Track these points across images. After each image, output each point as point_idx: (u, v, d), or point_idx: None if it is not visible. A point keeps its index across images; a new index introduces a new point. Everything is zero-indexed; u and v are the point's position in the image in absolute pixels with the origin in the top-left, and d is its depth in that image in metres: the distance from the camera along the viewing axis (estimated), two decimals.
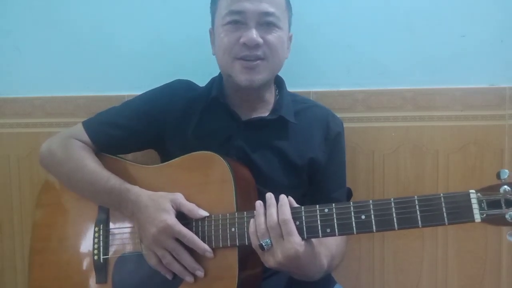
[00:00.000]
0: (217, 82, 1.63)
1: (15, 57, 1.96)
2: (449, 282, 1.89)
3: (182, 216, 1.40)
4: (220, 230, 1.37)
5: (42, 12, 1.93)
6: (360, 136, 1.88)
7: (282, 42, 1.53)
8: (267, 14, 1.48)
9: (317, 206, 1.28)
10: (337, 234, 1.26)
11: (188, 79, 1.69)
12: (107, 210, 1.56)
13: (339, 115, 1.74)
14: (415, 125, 1.86)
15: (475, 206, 1.14)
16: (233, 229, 1.36)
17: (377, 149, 1.88)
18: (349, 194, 1.70)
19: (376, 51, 1.88)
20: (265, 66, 1.51)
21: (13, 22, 1.95)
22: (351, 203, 1.26)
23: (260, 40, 1.47)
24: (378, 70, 1.88)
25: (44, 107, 1.96)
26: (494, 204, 1.13)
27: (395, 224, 1.20)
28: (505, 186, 1.13)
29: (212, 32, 1.62)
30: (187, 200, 1.43)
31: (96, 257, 1.53)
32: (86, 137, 1.59)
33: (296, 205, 1.31)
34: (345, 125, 1.73)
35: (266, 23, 1.49)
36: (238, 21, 1.48)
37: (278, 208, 1.29)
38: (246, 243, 1.33)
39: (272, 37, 1.50)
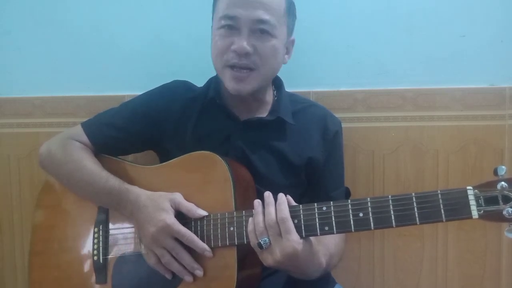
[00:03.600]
0: (215, 82, 1.63)
1: (15, 57, 1.97)
2: (449, 282, 1.89)
3: (181, 216, 1.40)
4: (219, 229, 1.37)
5: (42, 12, 1.94)
6: (360, 136, 1.88)
7: (274, 51, 1.51)
8: (261, 21, 1.46)
9: (315, 204, 1.28)
10: (335, 232, 1.26)
11: (186, 80, 1.69)
12: (106, 210, 1.56)
13: (339, 115, 1.74)
14: (415, 125, 1.86)
15: (472, 202, 1.14)
16: (231, 228, 1.36)
17: (377, 149, 1.88)
18: (347, 194, 1.70)
19: (376, 51, 1.87)
20: (255, 77, 1.50)
21: (13, 22, 1.95)
22: (349, 201, 1.26)
23: (250, 49, 1.46)
24: (378, 70, 1.88)
25: (44, 107, 1.96)
26: (491, 200, 1.14)
27: (393, 221, 1.20)
28: (502, 182, 1.13)
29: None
30: (186, 199, 1.43)
31: (95, 258, 1.53)
32: (85, 138, 1.60)
33: (294, 203, 1.31)
34: (345, 125, 1.73)
35: (259, 30, 1.47)
36: (232, 26, 1.47)
37: (276, 207, 1.29)
38: (245, 242, 1.33)
39: (264, 46, 1.48)
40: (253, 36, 1.47)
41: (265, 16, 1.46)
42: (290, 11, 1.57)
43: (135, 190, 1.47)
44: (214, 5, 1.56)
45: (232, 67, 1.48)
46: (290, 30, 1.59)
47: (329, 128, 1.63)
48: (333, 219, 1.26)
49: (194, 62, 1.86)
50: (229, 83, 1.49)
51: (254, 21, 1.46)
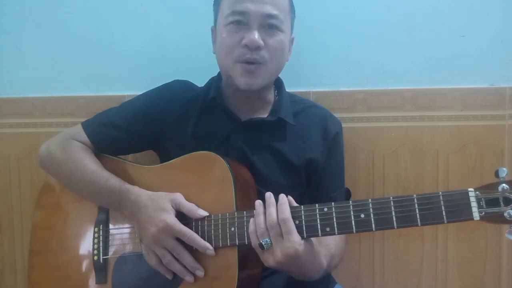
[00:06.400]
0: (215, 82, 1.63)
1: (15, 57, 1.96)
2: (449, 282, 1.89)
3: (182, 216, 1.40)
4: (219, 229, 1.37)
5: (42, 12, 1.93)
6: (360, 136, 1.88)
7: (283, 45, 1.53)
8: (270, 16, 1.47)
9: (317, 205, 1.28)
10: (336, 233, 1.26)
11: (187, 79, 1.69)
12: (106, 210, 1.55)
13: (339, 115, 1.74)
14: (415, 125, 1.86)
15: (473, 204, 1.14)
16: (232, 229, 1.36)
17: (377, 149, 1.88)
18: (347, 195, 1.70)
19: (376, 51, 1.87)
20: (265, 71, 1.51)
21: (13, 22, 1.95)
22: (351, 202, 1.26)
23: (262, 43, 1.47)
24: (378, 70, 1.88)
25: (44, 107, 1.96)
26: (492, 202, 1.14)
27: (394, 222, 1.20)
28: (504, 184, 1.13)
29: (214, 30, 1.61)
30: (187, 200, 1.43)
31: (96, 258, 1.53)
32: (85, 138, 1.59)
33: (295, 204, 1.32)
34: (345, 125, 1.73)
35: (268, 25, 1.48)
36: (241, 21, 1.48)
37: (277, 207, 1.29)
38: (246, 243, 1.33)
39: (273, 40, 1.49)
40: (262, 30, 1.48)
41: (274, 11, 1.48)
42: (292, 9, 1.59)
43: (136, 190, 1.46)
44: (218, 3, 1.57)
45: (243, 62, 1.48)
46: (292, 28, 1.60)
47: (329, 129, 1.63)
48: (335, 220, 1.26)
49: (194, 62, 1.86)
50: (241, 78, 1.49)
51: (264, 16, 1.47)
